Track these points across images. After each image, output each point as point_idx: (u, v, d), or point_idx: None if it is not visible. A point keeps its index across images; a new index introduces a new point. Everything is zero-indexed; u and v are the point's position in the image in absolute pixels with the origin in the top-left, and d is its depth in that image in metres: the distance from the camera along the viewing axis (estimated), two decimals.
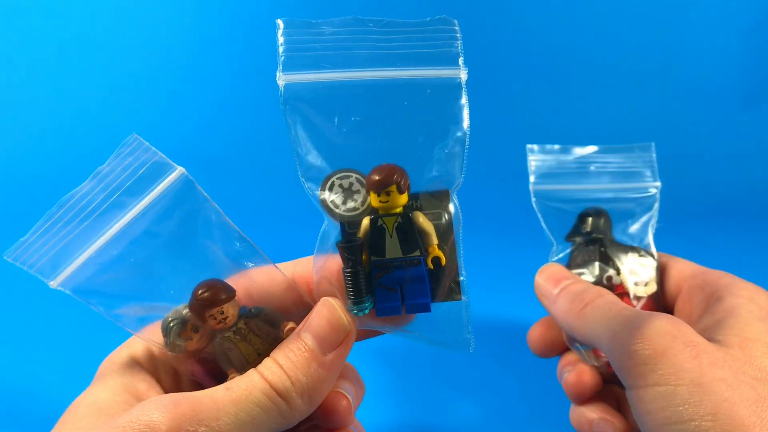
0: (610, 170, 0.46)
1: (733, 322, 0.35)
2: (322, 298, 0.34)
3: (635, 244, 0.46)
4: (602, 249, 0.45)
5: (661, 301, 0.44)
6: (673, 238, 0.86)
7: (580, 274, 0.44)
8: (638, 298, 0.44)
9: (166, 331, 0.34)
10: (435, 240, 0.36)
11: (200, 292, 0.33)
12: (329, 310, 0.33)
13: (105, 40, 1.03)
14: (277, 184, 1.00)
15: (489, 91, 1.04)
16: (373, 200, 0.35)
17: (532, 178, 0.47)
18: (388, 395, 0.59)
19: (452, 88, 0.35)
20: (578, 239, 0.46)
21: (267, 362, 0.32)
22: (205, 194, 0.35)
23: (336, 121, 0.35)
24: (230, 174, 1.02)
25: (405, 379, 0.61)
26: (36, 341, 0.69)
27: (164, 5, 1.03)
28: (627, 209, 0.46)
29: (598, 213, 0.46)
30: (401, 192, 0.35)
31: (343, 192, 0.36)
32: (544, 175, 0.46)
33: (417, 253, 0.35)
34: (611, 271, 0.44)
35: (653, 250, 0.46)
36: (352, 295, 0.35)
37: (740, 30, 1.04)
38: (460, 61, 0.35)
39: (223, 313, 0.33)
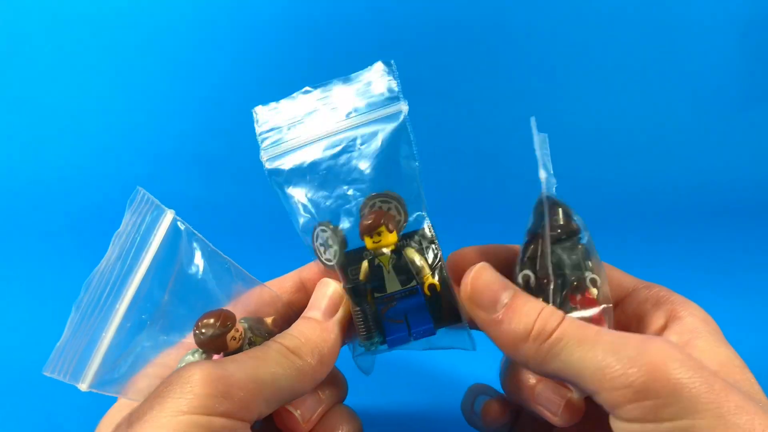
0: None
1: (703, 345, 0.35)
2: (320, 280, 0.40)
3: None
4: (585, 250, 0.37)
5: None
6: (671, 239, 0.92)
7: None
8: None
9: None
10: (428, 270, 0.39)
11: (207, 325, 0.35)
12: (323, 285, 0.40)
13: (102, 40, 1.07)
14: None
15: (487, 92, 1.07)
16: (368, 243, 0.39)
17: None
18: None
19: (397, 122, 0.39)
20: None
21: (281, 333, 0.37)
22: (195, 232, 0.38)
23: (308, 178, 0.40)
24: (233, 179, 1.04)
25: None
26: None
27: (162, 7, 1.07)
28: None
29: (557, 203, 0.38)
30: (390, 231, 0.39)
31: (322, 244, 0.41)
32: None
33: (413, 283, 0.39)
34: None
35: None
36: (363, 331, 0.39)
37: (738, 30, 1.06)
38: (400, 96, 0.40)
39: (238, 330, 0.36)
